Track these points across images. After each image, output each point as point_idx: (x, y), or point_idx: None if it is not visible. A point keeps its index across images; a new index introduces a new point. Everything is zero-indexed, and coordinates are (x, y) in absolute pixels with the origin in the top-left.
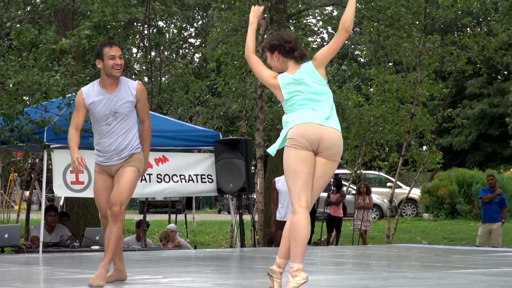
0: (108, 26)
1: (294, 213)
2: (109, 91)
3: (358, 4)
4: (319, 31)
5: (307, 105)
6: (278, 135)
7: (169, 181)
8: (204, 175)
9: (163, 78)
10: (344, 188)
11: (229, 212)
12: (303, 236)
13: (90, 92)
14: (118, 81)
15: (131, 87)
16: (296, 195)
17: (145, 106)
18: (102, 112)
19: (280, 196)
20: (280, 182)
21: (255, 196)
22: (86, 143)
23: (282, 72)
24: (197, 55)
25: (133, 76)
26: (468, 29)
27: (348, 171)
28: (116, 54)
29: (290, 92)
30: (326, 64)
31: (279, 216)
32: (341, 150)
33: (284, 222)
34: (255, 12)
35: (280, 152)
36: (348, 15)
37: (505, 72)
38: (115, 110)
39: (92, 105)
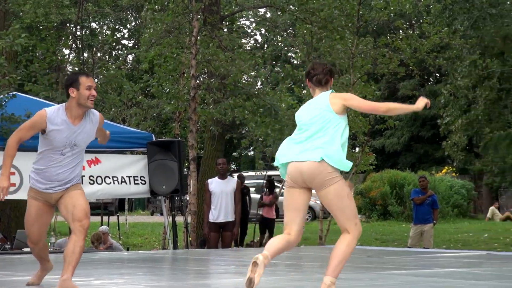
0: (41, 27)
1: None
2: (74, 122)
3: (291, 6)
4: (252, 33)
5: (297, 133)
6: (210, 137)
7: (102, 182)
8: (137, 176)
9: (96, 80)
10: (278, 190)
11: (161, 214)
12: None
13: (55, 118)
14: (84, 112)
15: (94, 120)
16: (284, 225)
17: (103, 129)
18: (61, 142)
19: (213, 197)
20: (213, 184)
21: (188, 198)
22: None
23: None
24: (130, 56)
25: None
26: (400, 31)
27: None
28: (92, 84)
29: (297, 116)
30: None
31: (211, 217)
32: (325, 175)
33: (217, 224)
34: None
35: (212, 154)
36: (397, 110)
37: (437, 74)
38: (74, 143)
39: (53, 132)
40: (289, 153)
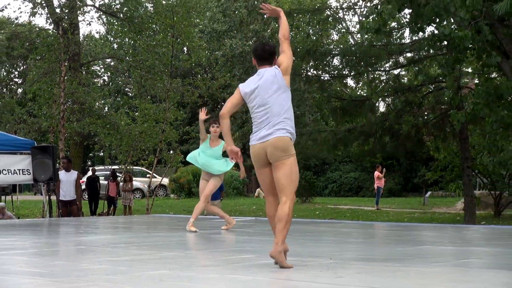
0: None
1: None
2: None
3: (127, 57)
4: (102, 75)
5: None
6: (74, 144)
7: None
8: (24, 169)
9: None
10: (119, 178)
11: (41, 194)
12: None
13: None
14: None
15: None
16: None
17: None
18: None
19: (62, 184)
20: (61, 175)
21: None
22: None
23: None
24: (19, 89)
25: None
26: (199, 75)
27: (121, 167)
28: None
29: None
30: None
31: (61, 197)
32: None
33: (65, 201)
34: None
35: (75, 155)
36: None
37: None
38: None
39: None
40: None
